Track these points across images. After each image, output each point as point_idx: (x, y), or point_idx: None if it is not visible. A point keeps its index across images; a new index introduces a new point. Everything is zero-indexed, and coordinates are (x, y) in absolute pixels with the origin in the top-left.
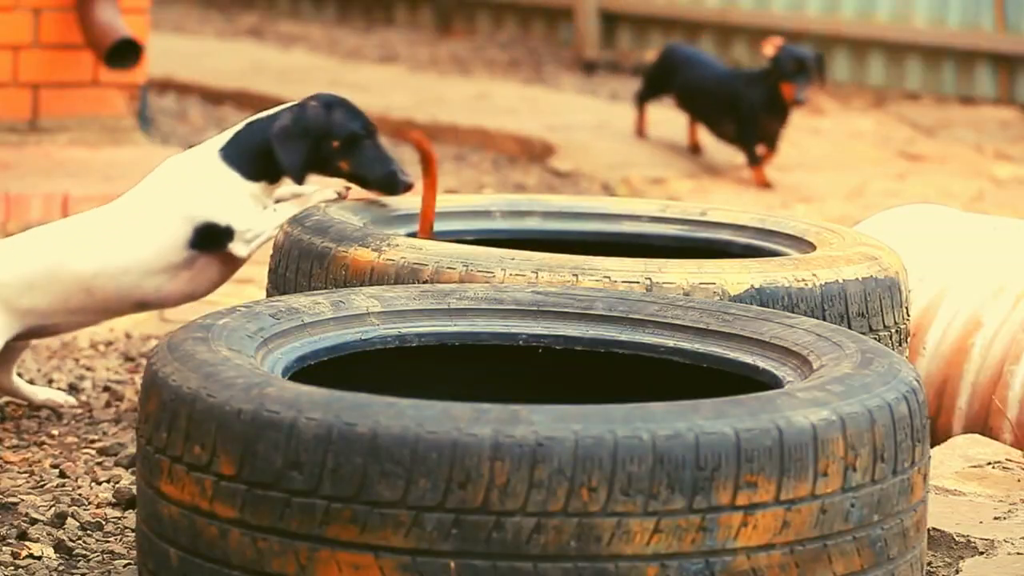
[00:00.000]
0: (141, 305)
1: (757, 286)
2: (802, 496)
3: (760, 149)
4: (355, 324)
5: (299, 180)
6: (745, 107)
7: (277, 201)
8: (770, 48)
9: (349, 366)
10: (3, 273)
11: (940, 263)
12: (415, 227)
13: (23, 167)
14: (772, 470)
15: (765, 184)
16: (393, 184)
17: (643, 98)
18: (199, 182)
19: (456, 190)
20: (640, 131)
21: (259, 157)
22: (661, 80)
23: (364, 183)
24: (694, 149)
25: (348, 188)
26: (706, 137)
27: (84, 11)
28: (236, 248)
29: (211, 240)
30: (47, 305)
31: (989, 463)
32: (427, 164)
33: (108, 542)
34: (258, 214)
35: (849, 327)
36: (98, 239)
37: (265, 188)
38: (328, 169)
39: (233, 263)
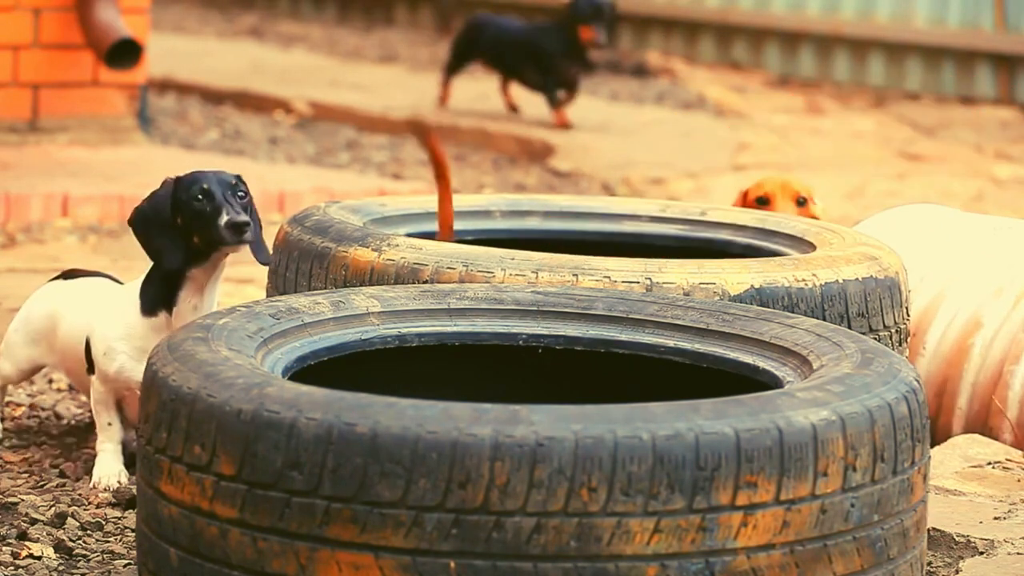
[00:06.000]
0: None
1: (757, 286)
2: (802, 496)
3: (561, 94)
4: (355, 324)
5: (168, 266)
6: (544, 55)
7: None
8: None
9: (349, 366)
10: None
11: (940, 263)
12: (415, 227)
13: (23, 167)
14: (772, 470)
15: (565, 125)
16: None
17: (451, 70)
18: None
19: (456, 190)
20: (444, 102)
21: None
22: (467, 48)
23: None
24: (512, 109)
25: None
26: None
27: (84, 11)
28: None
29: None
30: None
31: (989, 463)
32: (439, 170)
33: (108, 542)
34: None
35: (849, 327)
36: None
37: None
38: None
39: None
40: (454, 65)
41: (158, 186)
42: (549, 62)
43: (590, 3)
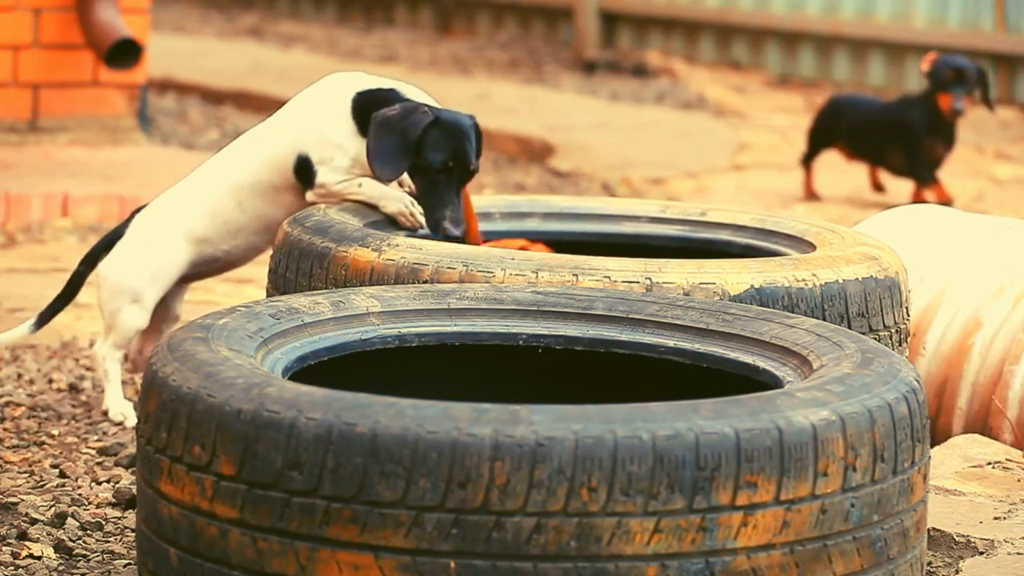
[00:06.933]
0: None
1: (757, 286)
2: (802, 496)
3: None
4: (355, 324)
5: (378, 175)
6: (909, 133)
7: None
8: (925, 64)
9: (349, 366)
10: (182, 204)
11: (940, 263)
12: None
13: (23, 167)
14: (772, 470)
15: (946, 199)
16: (434, 228)
17: (808, 160)
18: (322, 114)
19: None
20: (810, 191)
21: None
22: (824, 135)
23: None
24: (877, 188)
25: (412, 214)
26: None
27: (84, 11)
28: (309, 195)
29: (303, 175)
30: (215, 231)
31: (989, 463)
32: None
33: (108, 542)
34: (342, 175)
35: (849, 327)
36: (242, 156)
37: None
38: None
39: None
40: (810, 155)
41: (403, 107)
42: (915, 142)
43: (951, 66)
